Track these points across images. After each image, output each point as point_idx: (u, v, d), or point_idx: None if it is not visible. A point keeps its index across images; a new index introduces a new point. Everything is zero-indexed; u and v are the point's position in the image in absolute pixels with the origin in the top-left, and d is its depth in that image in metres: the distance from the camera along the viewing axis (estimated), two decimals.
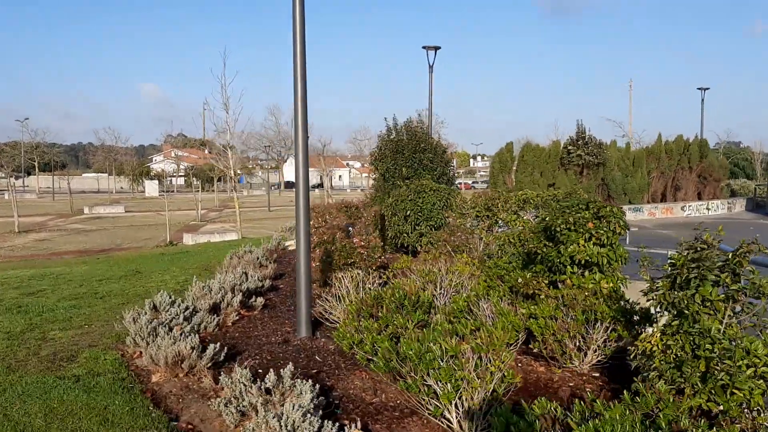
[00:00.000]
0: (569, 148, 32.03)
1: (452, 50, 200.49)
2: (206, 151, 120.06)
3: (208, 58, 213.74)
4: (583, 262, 8.31)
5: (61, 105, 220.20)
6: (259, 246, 17.48)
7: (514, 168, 32.06)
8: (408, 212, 14.70)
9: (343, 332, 6.57)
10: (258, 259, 13.91)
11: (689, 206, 35.28)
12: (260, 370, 7.18)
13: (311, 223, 14.25)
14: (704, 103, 40.78)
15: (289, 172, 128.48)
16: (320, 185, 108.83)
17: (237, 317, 9.33)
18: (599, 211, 8.42)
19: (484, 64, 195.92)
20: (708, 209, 35.88)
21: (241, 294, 9.71)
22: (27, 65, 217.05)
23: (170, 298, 9.13)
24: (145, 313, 8.79)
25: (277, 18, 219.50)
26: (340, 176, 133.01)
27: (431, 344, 5.06)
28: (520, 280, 9.30)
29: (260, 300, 9.91)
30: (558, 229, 8.44)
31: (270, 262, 14.35)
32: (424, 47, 26.22)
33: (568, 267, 8.49)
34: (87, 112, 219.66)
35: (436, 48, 26.29)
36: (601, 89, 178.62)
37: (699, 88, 40.80)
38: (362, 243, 9.81)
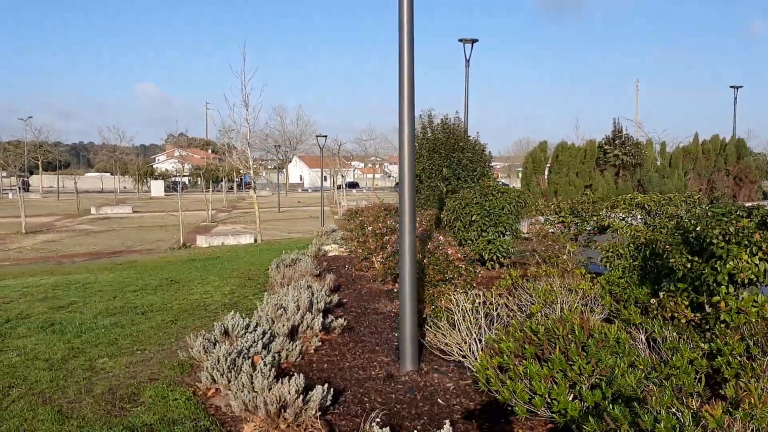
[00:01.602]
0: (605, 148, 30.59)
1: (451, 48, 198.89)
2: (209, 151, 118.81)
3: (209, 57, 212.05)
4: (746, 281, 6.91)
5: (59, 103, 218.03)
6: (295, 251, 16.08)
7: (548, 169, 30.61)
8: (474, 217, 13.27)
9: (493, 378, 5.16)
10: (308, 268, 12.50)
11: None
12: (377, 420, 5.77)
13: (369, 228, 12.85)
14: (737, 102, 39.36)
15: (293, 173, 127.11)
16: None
17: (319, 343, 7.91)
18: (766, 218, 7.02)
19: (484, 62, 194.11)
20: None
21: (321, 314, 8.29)
22: (24, 63, 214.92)
23: (242, 319, 7.71)
24: (216, 341, 7.39)
25: (276, 17, 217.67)
26: (343, 176, 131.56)
27: (676, 413, 3.66)
28: (653, 300, 7.90)
29: (339, 321, 8.48)
30: (714, 240, 7.03)
31: (323, 272, 12.97)
32: (460, 40, 24.81)
33: (723, 287, 7.09)
34: (85, 111, 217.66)
35: (473, 41, 24.87)
36: (606, 88, 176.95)
37: (732, 86, 39.39)
38: (458, 255, 8.41)
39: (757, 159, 37.90)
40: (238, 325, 7.51)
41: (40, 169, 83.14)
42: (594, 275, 9.67)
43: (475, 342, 6.74)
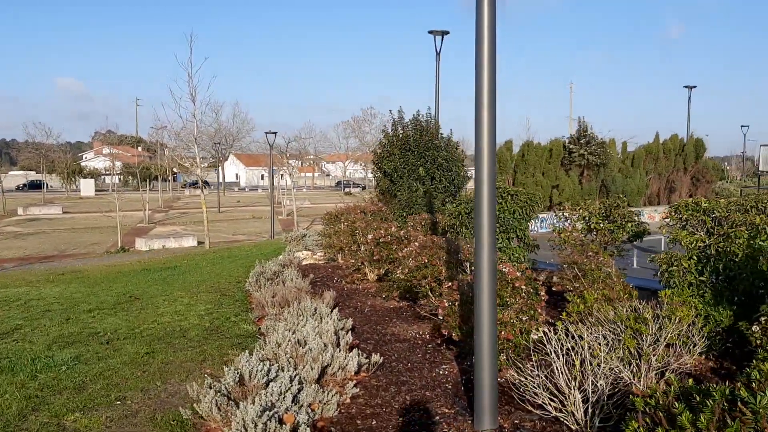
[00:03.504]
0: (571, 147, 29.63)
1: (398, 43, 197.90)
2: (139, 149, 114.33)
3: (138, 52, 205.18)
4: None
5: None
6: (269, 259, 14.36)
7: (513, 168, 29.45)
8: None
9: None
10: (301, 284, 10.83)
11: None
12: None
13: (370, 237, 11.24)
14: (690, 102, 39.15)
15: (229, 171, 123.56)
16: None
17: (355, 389, 6.27)
18: None
19: (415, 57, 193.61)
20: None
21: (354, 351, 6.65)
22: None
23: (261, 363, 5.99)
24: (229, 393, 5.68)
25: (209, 9, 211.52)
26: (282, 175, 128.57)
27: None
28: (755, 328, 6.58)
29: (374, 358, 6.85)
30: None
31: (313, 286, 11.32)
32: (430, 32, 23.37)
33: None
34: (3, 107, 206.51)
35: (444, 33, 23.46)
36: (546, 87, 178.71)
37: (686, 86, 39.17)
38: (517, 273, 6.91)
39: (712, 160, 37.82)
40: (256, 371, 5.80)
41: None
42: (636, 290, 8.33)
43: (577, 392, 5.24)
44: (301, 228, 42.33)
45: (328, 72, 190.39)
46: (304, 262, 15.27)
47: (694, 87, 38.97)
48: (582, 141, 29.53)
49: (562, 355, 5.39)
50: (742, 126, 56.28)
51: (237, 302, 11.31)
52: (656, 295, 7.95)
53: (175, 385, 6.90)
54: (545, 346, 5.65)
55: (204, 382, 5.92)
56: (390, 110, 20.30)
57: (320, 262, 15.36)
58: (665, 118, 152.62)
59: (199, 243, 36.20)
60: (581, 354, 5.35)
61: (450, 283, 7.11)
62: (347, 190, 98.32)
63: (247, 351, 6.65)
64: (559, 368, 5.29)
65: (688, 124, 38.46)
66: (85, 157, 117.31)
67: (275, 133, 36.94)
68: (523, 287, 6.82)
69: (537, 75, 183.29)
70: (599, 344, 5.48)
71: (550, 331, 6.16)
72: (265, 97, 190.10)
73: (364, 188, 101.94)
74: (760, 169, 37.90)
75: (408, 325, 9.04)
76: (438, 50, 23.32)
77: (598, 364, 5.34)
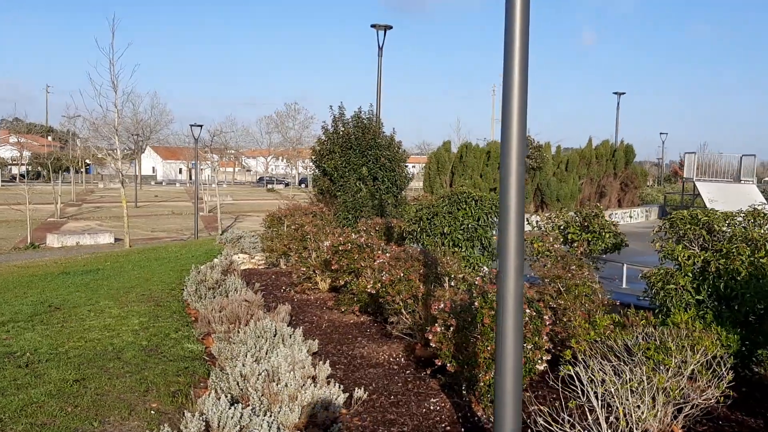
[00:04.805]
0: None
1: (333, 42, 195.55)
2: (49, 138, 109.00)
3: (44, 37, 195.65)
4: None
5: None
6: (202, 262, 13.15)
7: (451, 170, 28.85)
8: (444, 229, 11.00)
9: None
10: (253, 297, 9.71)
11: (615, 214, 33.95)
12: None
13: (327, 243, 10.22)
14: (619, 109, 39.69)
15: (145, 164, 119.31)
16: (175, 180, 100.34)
17: None
18: None
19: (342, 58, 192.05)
20: (630, 217, 34.72)
21: (337, 386, 5.65)
22: None
23: (230, 405, 4.92)
24: None
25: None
26: (203, 170, 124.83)
27: None
28: None
29: (358, 393, 5.86)
30: None
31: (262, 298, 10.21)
32: (373, 26, 22.43)
33: None
34: None
35: (387, 27, 22.56)
36: (466, 90, 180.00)
37: (615, 93, 39.72)
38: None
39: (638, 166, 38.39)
40: (226, 418, 4.73)
41: None
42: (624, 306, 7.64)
43: None
44: (224, 225, 40.77)
45: (250, 65, 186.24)
46: (242, 267, 14.11)
47: (623, 93, 39.53)
48: None
49: (599, 401, 4.56)
50: (661, 133, 57.82)
51: (175, 314, 10.09)
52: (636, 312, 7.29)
53: (116, 426, 5.75)
54: (556, 380, 4.84)
55: (159, 431, 4.82)
56: (330, 106, 19.14)
57: (260, 267, 14.24)
58: (586, 121, 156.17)
59: (117, 240, 34.27)
60: (622, 406, 4.53)
61: (442, 304, 6.19)
62: (270, 186, 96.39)
63: (213, 392, 5.54)
64: (599, 419, 4.45)
65: (617, 129, 39.23)
66: None
67: (201, 126, 35.16)
68: (526, 310, 5.98)
69: (466, 76, 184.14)
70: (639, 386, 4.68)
71: (556, 362, 5.37)
72: (185, 89, 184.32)
73: (287, 185, 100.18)
74: (684, 176, 38.85)
75: (377, 346, 8.10)
76: (381, 45, 22.42)
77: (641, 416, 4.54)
